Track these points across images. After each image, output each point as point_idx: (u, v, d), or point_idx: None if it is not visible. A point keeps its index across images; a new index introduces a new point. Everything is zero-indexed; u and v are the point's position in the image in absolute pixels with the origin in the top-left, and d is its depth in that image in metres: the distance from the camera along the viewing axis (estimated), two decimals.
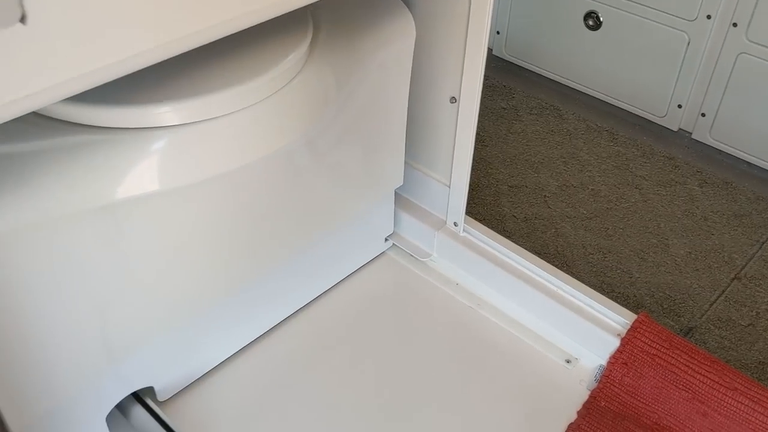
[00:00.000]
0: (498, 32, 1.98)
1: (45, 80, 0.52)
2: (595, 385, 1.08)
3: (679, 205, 1.57)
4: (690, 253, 1.46)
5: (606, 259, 1.44)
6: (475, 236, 1.21)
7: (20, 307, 0.75)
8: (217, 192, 0.86)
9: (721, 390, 0.99)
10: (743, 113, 1.63)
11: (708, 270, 1.42)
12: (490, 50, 2.01)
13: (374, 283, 1.24)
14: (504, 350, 1.14)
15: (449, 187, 1.20)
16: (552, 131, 1.78)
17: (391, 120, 1.10)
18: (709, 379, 1.00)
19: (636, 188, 1.61)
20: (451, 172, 1.18)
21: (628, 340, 1.06)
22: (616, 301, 1.12)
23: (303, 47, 0.89)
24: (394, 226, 1.29)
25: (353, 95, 0.99)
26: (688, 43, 1.65)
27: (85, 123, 0.77)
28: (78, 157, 0.75)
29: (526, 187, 1.61)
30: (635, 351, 1.05)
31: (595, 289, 1.13)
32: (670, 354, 1.03)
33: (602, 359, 1.09)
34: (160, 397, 1.02)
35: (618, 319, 1.09)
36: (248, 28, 0.66)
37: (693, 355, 1.02)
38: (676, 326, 1.31)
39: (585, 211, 1.55)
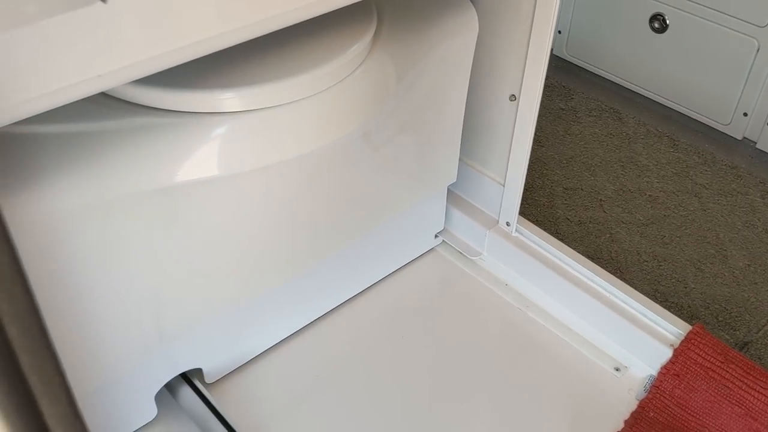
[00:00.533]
0: (559, 31, 1.95)
1: (117, 61, 0.52)
2: (644, 395, 1.06)
3: (739, 216, 1.53)
4: (749, 265, 1.41)
5: (661, 267, 1.40)
6: (527, 237, 1.20)
7: (79, 284, 0.77)
8: (275, 180, 0.87)
9: None
10: None
11: (767, 284, 1.37)
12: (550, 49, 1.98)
13: (422, 278, 1.24)
14: (551, 354, 1.12)
15: (503, 186, 1.19)
16: (611, 134, 1.74)
17: (448, 115, 1.10)
18: (764, 395, 0.97)
19: (695, 196, 1.57)
20: (507, 171, 1.17)
21: (681, 351, 1.03)
22: (670, 311, 1.09)
23: (366, 38, 0.89)
24: (445, 223, 1.28)
25: (413, 88, 0.99)
26: (758, 50, 1.59)
27: (149, 105, 0.78)
28: (141, 139, 0.76)
29: (582, 189, 1.58)
30: (688, 363, 1.03)
31: (648, 297, 1.10)
32: (725, 368, 1.00)
33: (653, 369, 1.07)
34: (208, 380, 1.03)
35: (671, 329, 1.07)
36: (312, 18, 0.67)
37: (748, 371, 0.99)
38: (731, 340, 1.27)
39: (641, 217, 1.52)
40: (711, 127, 1.76)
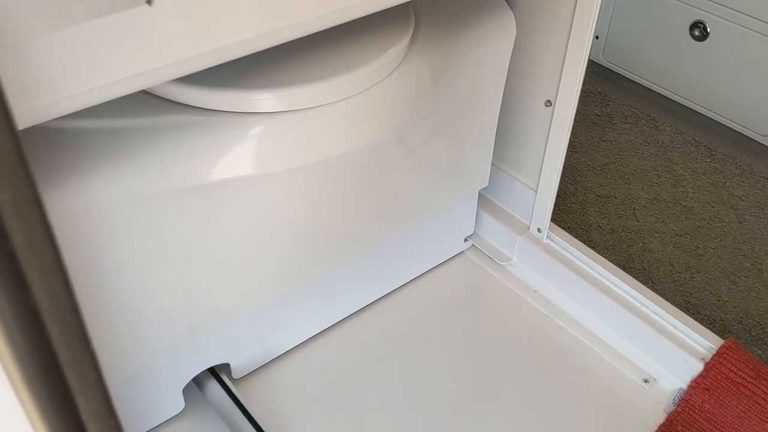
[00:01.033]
0: (597, 37, 1.93)
1: (158, 60, 0.53)
2: (672, 408, 1.04)
3: None
4: None
5: (694, 278, 1.38)
6: (558, 244, 1.19)
7: (113, 278, 0.78)
8: (308, 180, 0.87)
9: None
10: None
11: None
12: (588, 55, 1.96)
13: (451, 282, 1.23)
14: (579, 363, 1.11)
15: (536, 192, 1.18)
16: (646, 142, 1.72)
17: (482, 119, 1.09)
18: None
19: (732, 208, 1.55)
20: (540, 177, 1.16)
21: (712, 365, 1.02)
22: (702, 324, 1.08)
23: (403, 41, 0.89)
24: (475, 227, 1.27)
25: (448, 91, 0.99)
26: None
27: (187, 103, 0.79)
28: (178, 137, 0.77)
29: (615, 197, 1.56)
30: (719, 377, 1.01)
31: (680, 309, 1.09)
32: (757, 384, 0.99)
33: (683, 382, 1.05)
34: (235, 375, 1.04)
35: (703, 342, 1.05)
36: (350, 21, 0.67)
37: None
38: (764, 356, 1.25)
39: (675, 228, 1.50)
40: (749, 137, 1.73)
